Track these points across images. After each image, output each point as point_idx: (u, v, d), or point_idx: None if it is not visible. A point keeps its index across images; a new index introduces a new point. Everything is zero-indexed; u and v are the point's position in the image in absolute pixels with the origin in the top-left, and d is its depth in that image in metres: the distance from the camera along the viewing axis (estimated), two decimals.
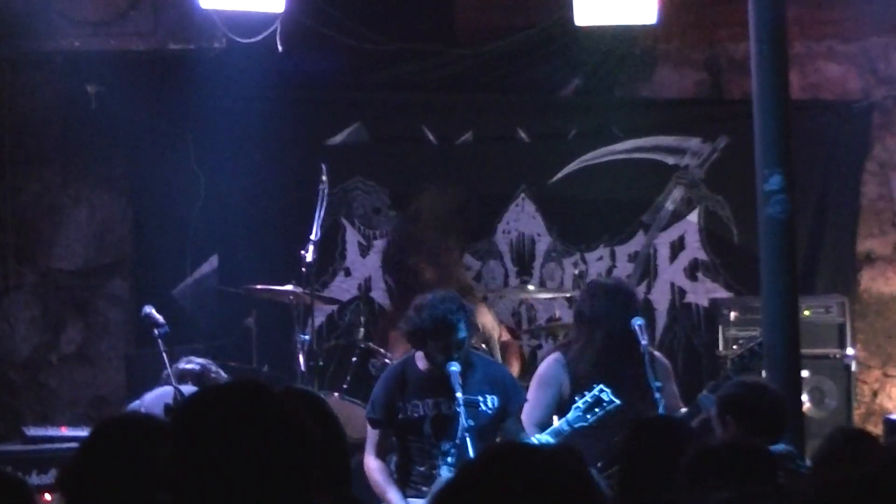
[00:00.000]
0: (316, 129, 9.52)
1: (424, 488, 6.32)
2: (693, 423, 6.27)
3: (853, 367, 9.11)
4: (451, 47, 9.64)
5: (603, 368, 6.62)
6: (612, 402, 6.29)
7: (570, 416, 6.31)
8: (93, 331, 9.44)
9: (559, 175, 9.64)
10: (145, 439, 3.20)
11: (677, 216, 9.72)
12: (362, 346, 8.18)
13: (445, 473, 6.18)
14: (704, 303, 9.62)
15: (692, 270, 9.71)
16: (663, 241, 9.72)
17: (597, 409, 6.29)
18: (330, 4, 9.16)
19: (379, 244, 9.57)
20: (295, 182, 9.10)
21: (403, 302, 7.95)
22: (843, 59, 9.88)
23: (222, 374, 7.25)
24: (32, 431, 7.69)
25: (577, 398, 6.36)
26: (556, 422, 6.49)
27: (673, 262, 9.73)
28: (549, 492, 2.45)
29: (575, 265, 9.62)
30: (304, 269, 7.82)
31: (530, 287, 9.47)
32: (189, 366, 7.10)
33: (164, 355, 6.74)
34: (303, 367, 7.72)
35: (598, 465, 6.23)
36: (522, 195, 9.68)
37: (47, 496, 6.67)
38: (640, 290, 9.36)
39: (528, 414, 6.61)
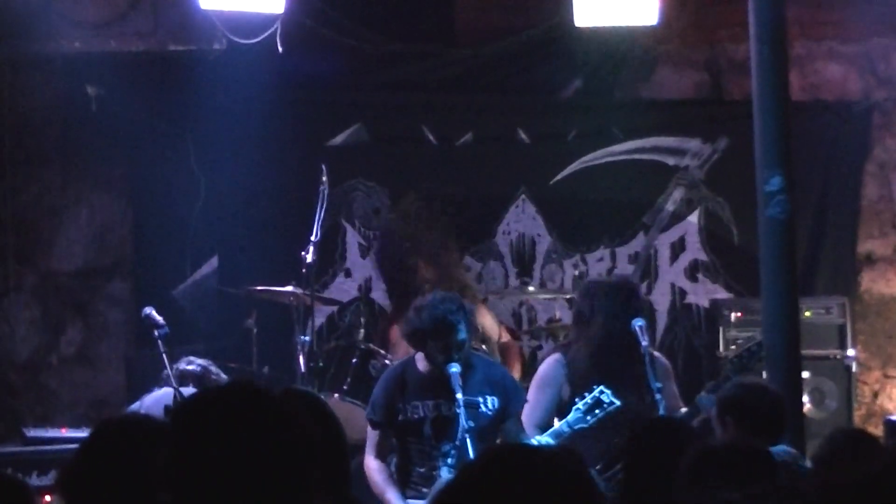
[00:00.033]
0: (316, 129, 9.52)
1: (424, 489, 6.31)
2: (692, 424, 6.26)
3: (853, 368, 9.11)
4: (451, 48, 9.64)
5: (603, 369, 6.60)
6: (612, 403, 6.26)
7: (570, 417, 6.29)
8: (93, 332, 9.43)
9: (559, 176, 9.63)
10: (145, 440, 3.20)
11: (678, 217, 9.71)
12: (362, 347, 8.17)
13: (445, 475, 6.16)
14: (705, 304, 9.62)
15: (692, 271, 9.71)
16: (664, 242, 9.72)
17: (597, 411, 6.27)
18: (330, 5, 9.16)
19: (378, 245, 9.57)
20: (295, 183, 9.09)
21: (403, 302, 7.95)
22: (844, 59, 9.88)
23: (222, 375, 7.26)
24: (32, 433, 7.69)
25: (577, 399, 6.34)
26: (557, 423, 6.48)
27: (673, 263, 9.72)
28: (549, 493, 2.45)
29: (575, 266, 9.61)
30: (304, 270, 7.82)
31: (530, 288, 9.47)
32: (189, 367, 7.10)
33: (165, 356, 6.74)
34: (303, 368, 7.72)
35: (599, 466, 6.22)
36: (523, 196, 9.67)
37: (47, 497, 6.66)
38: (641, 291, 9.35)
39: (527, 415, 6.60)
